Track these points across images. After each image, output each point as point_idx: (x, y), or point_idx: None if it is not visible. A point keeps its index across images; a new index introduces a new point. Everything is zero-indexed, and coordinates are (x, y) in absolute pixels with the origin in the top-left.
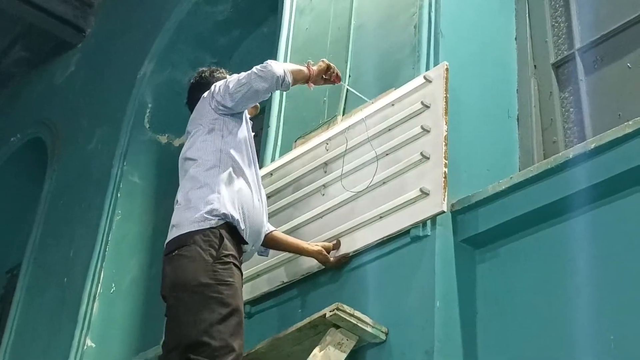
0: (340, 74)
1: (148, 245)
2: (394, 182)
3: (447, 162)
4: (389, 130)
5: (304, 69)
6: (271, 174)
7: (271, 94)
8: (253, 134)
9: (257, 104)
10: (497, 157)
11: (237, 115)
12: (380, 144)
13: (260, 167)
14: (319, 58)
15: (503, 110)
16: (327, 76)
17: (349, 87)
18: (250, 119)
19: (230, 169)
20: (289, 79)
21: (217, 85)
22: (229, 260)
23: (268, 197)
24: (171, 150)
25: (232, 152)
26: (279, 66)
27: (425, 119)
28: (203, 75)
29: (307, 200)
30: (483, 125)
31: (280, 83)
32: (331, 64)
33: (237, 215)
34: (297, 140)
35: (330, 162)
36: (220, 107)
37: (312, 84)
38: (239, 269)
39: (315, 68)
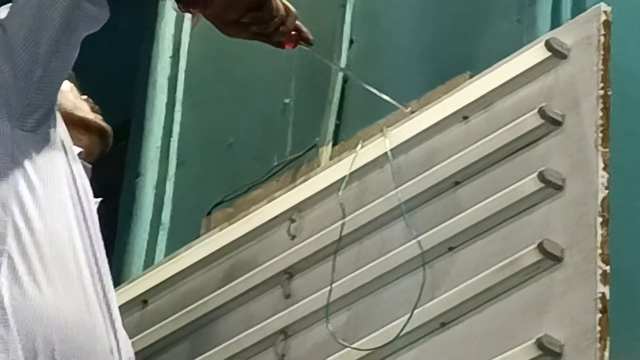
0: (303, 28)
1: None
2: (469, 325)
3: (606, 269)
4: (456, 185)
5: None
6: (144, 303)
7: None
8: (97, 201)
9: (102, 124)
10: None
11: (43, 128)
12: (430, 223)
13: (118, 284)
14: None
15: None
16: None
17: (344, 70)
18: (93, 167)
19: (27, 259)
20: None
21: None
22: None
23: None
24: None
25: (35, 220)
26: None
27: (552, 155)
28: None
29: None
30: None
31: None
32: None
33: None
34: (213, 210)
35: (300, 270)
36: None
37: (199, 18)
38: None
39: None
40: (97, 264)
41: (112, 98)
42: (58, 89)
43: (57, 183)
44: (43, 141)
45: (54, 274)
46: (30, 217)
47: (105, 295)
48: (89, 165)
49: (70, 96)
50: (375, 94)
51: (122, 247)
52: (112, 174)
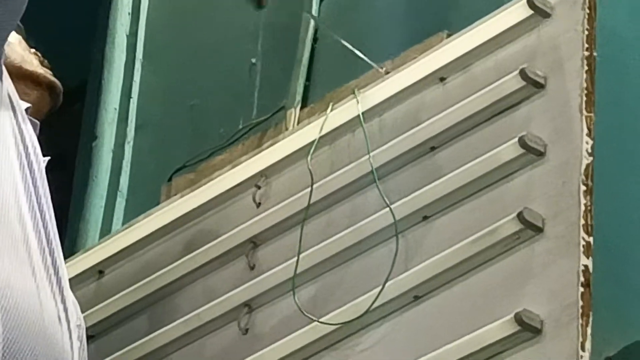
0: None
1: None
2: (444, 298)
3: (590, 241)
4: (432, 150)
5: None
6: (100, 274)
7: None
8: (46, 159)
9: (52, 78)
10: None
11: None
12: (404, 191)
13: (73, 254)
14: None
15: None
16: None
17: (314, 18)
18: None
19: None
20: None
21: None
22: None
23: (90, 337)
24: None
25: None
26: None
27: (533, 119)
28: None
29: (201, 349)
30: None
31: None
32: None
33: None
34: (174, 176)
35: (265, 239)
36: None
37: None
38: None
39: None
40: (44, 227)
41: (68, 57)
42: (5, 41)
43: (3, 140)
44: None
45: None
46: None
47: (53, 259)
48: (37, 122)
49: (18, 49)
50: (347, 52)
51: (77, 214)
52: (67, 138)
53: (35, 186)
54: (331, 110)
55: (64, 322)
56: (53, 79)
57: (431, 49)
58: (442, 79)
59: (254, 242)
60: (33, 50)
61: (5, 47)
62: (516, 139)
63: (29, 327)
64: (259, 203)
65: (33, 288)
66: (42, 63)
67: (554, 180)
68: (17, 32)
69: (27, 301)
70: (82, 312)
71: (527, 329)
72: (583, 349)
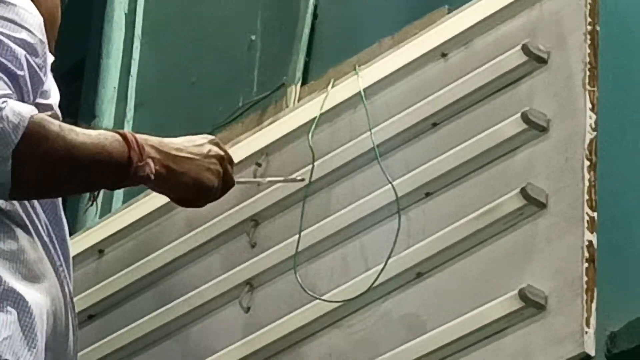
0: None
1: None
2: (447, 275)
3: (594, 216)
4: (434, 126)
5: (116, 140)
6: (101, 253)
7: None
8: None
9: None
10: None
11: None
12: (406, 168)
13: (73, 233)
14: None
15: None
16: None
17: None
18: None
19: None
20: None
21: None
22: None
23: (90, 316)
24: None
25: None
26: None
27: (536, 95)
28: None
29: (202, 327)
30: None
31: None
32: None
33: None
34: None
35: (266, 217)
36: None
37: None
38: None
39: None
40: (58, 218)
41: (66, 36)
42: None
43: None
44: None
45: (33, 230)
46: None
47: (66, 256)
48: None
49: None
50: (348, 28)
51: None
52: (66, 117)
53: None
54: (332, 87)
55: (68, 332)
56: None
57: (432, 24)
58: (443, 55)
59: (255, 220)
60: None
61: None
62: (519, 115)
63: (55, 327)
64: (259, 179)
65: (56, 291)
66: None
67: (558, 156)
68: None
69: (54, 293)
70: (83, 291)
71: (531, 305)
72: (587, 325)
